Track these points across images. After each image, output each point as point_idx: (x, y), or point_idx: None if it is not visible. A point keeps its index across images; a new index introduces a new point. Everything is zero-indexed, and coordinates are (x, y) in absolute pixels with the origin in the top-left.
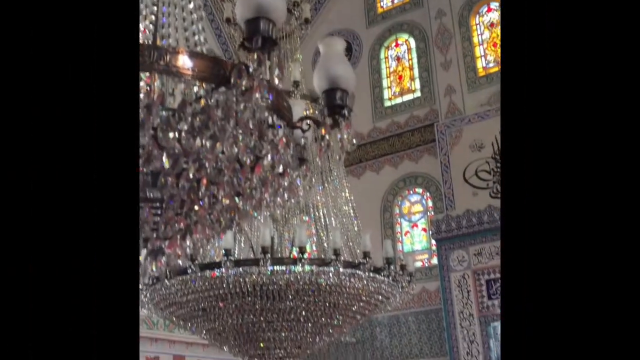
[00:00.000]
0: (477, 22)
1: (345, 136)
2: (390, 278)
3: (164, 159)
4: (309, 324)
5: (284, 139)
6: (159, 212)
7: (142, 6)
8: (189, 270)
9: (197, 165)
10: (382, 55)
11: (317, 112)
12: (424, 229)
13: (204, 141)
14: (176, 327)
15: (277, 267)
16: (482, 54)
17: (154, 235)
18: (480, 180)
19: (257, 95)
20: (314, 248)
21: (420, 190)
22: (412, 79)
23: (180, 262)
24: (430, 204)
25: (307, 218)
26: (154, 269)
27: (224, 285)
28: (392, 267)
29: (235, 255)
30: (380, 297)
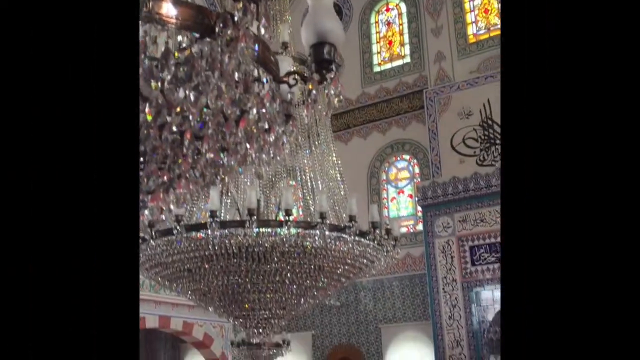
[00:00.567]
0: None
1: (332, 92)
2: (375, 242)
3: (147, 109)
4: (294, 286)
5: (270, 93)
6: (141, 165)
7: None
8: (175, 231)
9: (180, 117)
10: (372, 20)
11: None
12: (410, 196)
13: (187, 92)
14: (162, 288)
15: (262, 229)
16: (473, 20)
17: None
18: (468, 147)
19: (242, 44)
20: (301, 212)
21: (407, 157)
22: (402, 44)
23: (163, 216)
24: (417, 170)
25: (293, 182)
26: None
27: (210, 247)
28: (377, 231)
29: (222, 218)
30: (365, 260)
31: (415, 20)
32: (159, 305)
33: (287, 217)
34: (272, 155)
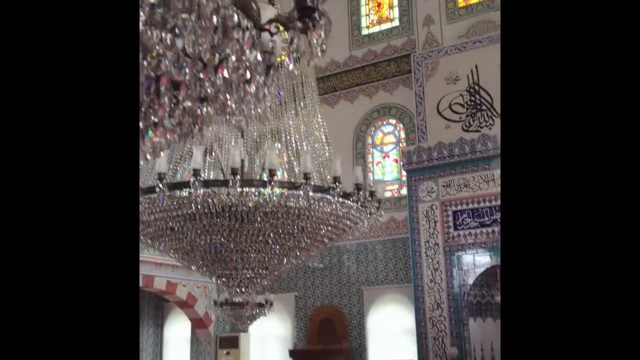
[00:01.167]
0: None
1: (315, 41)
2: (359, 204)
3: None
4: (277, 247)
5: (250, 41)
6: None
7: None
8: (157, 189)
9: (156, 61)
10: None
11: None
12: (395, 160)
13: (163, 35)
14: (145, 247)
15: (246, 189)
16: None
17: None
18: (454, 113)
19: None
20: (285, 175)
21: (393, 121)
22: (390, 7)
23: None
24: (402, 135)
25: (279, 145)
26: None
27: (193, 206)
28: (361, 193)
29: (206, 177)
30: (348, 222)
31: None
32: (142, 264)
33: (270, 177)
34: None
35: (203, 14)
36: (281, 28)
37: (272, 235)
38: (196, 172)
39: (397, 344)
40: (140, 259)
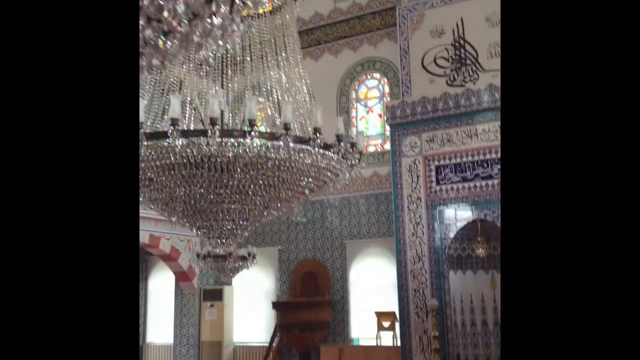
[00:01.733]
0: None
1: None
2: (339, 155)
3: None
4: (257, 198)
5: None
6: None
7: None
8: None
9: None
10: None
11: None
12: (380, 115)
13: None
14: None
15: (225, 140)
16: None
17: None
18: (438, 67)
19: None
20: (268, 130)
21: (377, 76)
22: None
23: None
24: (387, 89)
25: (262, 100)
26: None
27: (171, 155)
28: (342, 144)
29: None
30: (329, 173)
31: None
32: None
33: (250, 127)
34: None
35: None
36: None
37: (252, 186)
38: (174, 122)
39: (378, 296)
40: None
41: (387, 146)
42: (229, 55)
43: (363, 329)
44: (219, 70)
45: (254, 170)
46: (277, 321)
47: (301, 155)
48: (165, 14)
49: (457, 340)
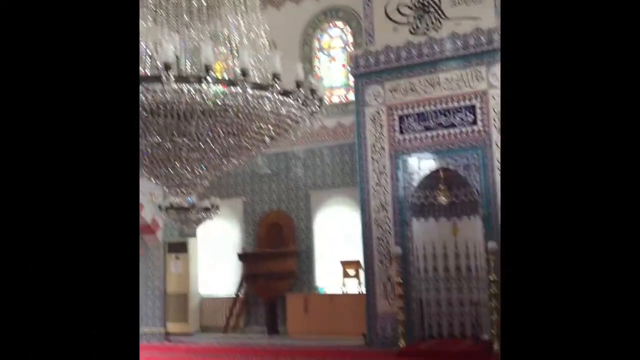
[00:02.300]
0: None
1: None
2: (299, 102)
3: None
4: (217, 146)
5: None
6: None
7: None
8: None
9: None
10: None
11: None
12: (343, 65)
13: None
14: None
15: (180, 86)
16: None
17: None
18: (401, 15)
19: None
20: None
21: (341, 24)
22: None
23: None
24: (350, 39)
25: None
26: None
27: None
28: (301, 90)
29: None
30: (289, 121)
31: None
32: None
33: (206, 73)
34: None
35: None
36: None
37: (210, 134)
38: None
39: (343, 245)
40: None
41: (351, 96)
42: (185, 1)
43: (328, 278)
44: (175, 17)
45: (212, 118)
46: (243, 272)
47: (260, 101)
48: None
49: (419, 286)
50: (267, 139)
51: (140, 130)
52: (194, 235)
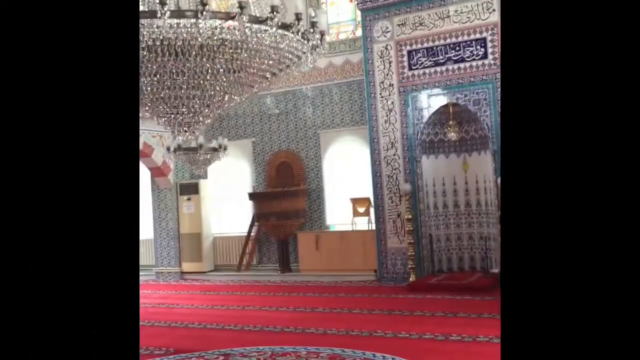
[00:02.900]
0: None
1: None
2: (299, 35)
3: None
4: (217, 83)
5: None
6: None
7: None
8: None
9: None
10: None
11: None
12: (350, 0)
13: None
14: None
15: (177, 21)
16: None
17: None
18: None
19: None
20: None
21: None
22: None
23: None
24: None
25: None
26: None
27: None
28: (302, 23)
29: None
30: (290, 55)
31: None
32: None
33: (203, 7)
34: None
35: None
36: None
37: (209, 70)
38: None
39: (353, 183)
40: None
41: (359, 32)
42: None
43: (338, 215)
44: None
45: (211, 53)
46: (255, 211)
47: (258, 35)
48: None
49: (429, 221)
50: (268, 75)
51: (140, 70)
52: (205, 176)
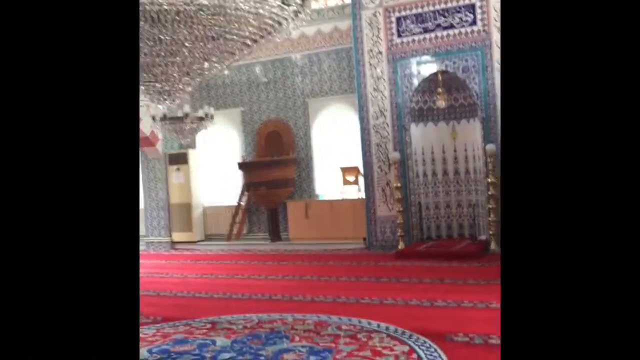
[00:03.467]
0: None
1: None
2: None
3: None
4: (196, 50)
5: None
6: None
7: None
8: None
9: None
10: None
11: None
12: None
13: None
14: None
15: None
16: None
17: None
18: None
19: None
20: None
21: None
22: None
23: None
24: None
25: None
26: None
27: None
28: None
29: None
30: (270, 21)
31: None
32: None
33: None
34: None
35: None
36: None
37: (187, 37)
38: None
39: (342, 152)
40: None
41: None
42: None
43: (328, 184)
44: None
45: (188, 19)
46: (244, 181)
47: (237, 0)
48: None
49: (418, 189)
50: (249, 42)
51: None
52: (193, 146)
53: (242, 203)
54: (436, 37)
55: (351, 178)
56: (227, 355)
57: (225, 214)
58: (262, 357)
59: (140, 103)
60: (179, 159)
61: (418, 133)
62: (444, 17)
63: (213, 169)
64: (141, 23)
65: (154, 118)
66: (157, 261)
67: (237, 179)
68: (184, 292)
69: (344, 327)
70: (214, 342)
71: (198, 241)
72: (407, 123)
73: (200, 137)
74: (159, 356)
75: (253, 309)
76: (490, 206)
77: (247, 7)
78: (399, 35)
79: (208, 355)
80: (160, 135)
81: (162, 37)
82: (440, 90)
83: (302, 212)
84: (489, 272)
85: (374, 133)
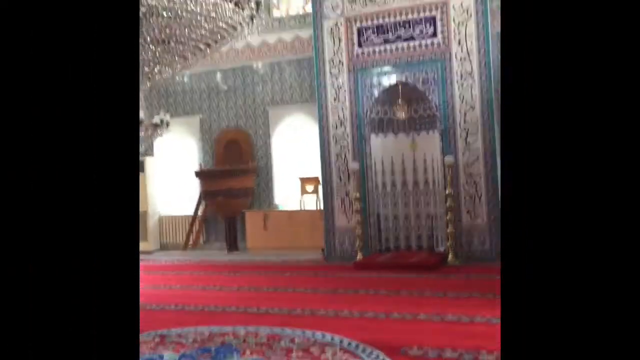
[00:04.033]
0: None
1: None
2: (233, 4)
3: None
4: (148, 53)
5: None
6: None
7: None
8: None
9: None
10: None
11: None
12: None
13: None
14: None
15: None
16: None
17: None
18: None
19: None
20: None
21: None
22: None
23: None
24: None
25: None
26: None
27: None
28: None
29: None
30: (225, 25)
31: None
32: None
33: None
34: None
35: None
36: None
37: (139, 40)
38: None
39: (302, 162)
40: None
41: (309, 8)
42: None
43: (287, 194)
44: None
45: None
46: (202, 190)
47: (189, 3)
48: None
49: (377, 200)
50: (201, 45)
51: None
52: (151, 154)
53: (200, 212)
54: (397, 48)
55: (310, 188)
56: None
57: (182, 223)
58: None
59: None
60: None
61: (378, 144)
62: (405, 28)
63: (170, 177)
64: None
65: None
66: None
67: (194, 188)
68: None
69: (297, 340)
70: (161, 357)
71: (153, 251)
72: (367, 133)
73: (158, 144)
74: None
75: (205, 321)
76: (447, 218)
77: (198, 10)
78: (360, 46)
79: None
80: None
81: None
82: (400, 101)
83: (260, 222)
84: (445, 284)
85: (333, 143)
